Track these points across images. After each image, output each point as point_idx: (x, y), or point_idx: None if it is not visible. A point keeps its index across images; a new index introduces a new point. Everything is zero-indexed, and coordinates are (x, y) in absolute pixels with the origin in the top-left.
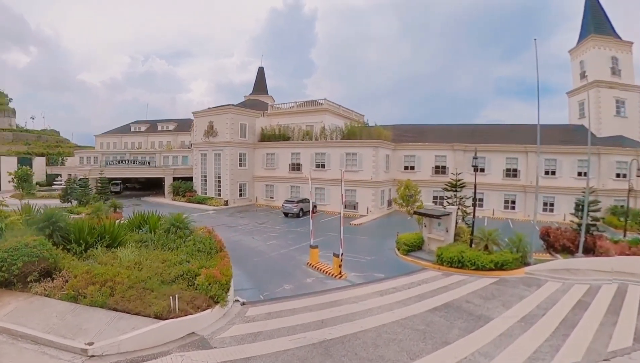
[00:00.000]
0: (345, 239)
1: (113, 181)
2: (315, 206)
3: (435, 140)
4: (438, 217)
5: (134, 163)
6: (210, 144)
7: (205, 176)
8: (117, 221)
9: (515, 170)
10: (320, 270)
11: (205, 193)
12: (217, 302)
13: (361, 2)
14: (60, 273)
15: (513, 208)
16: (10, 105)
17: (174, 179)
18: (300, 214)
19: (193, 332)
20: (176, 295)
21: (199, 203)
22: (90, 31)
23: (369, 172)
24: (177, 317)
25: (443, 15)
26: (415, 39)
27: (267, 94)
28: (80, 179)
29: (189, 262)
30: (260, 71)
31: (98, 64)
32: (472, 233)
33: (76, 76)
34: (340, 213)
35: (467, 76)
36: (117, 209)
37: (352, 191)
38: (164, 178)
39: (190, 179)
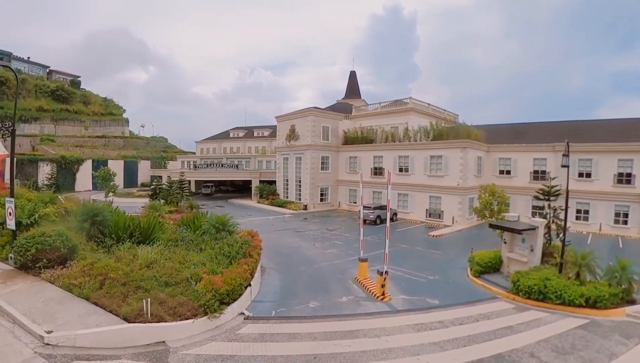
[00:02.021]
0: (413, 252)
1: (205, 183)
2: (395, 214)
3: (534, 140)
4: (519, 232)
5: (222, 166)
6: (291, 148)
7: (287, 180)
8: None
9: (629, 175)
10: (366, 287)
11: (287, 197)
12: (208, 312)
13: (462, 0)
14: (72, 262)
15: (625, 222)
16: (124, 115)
17: (261, 182)
18: (378, 221)
19: (163, 342)
20: (149, 299)
21: (279, 206)
22: (201, 49)
23: (456, 177)
24: (145, 322)
25: (551, 8)
26: (522, 35)
27: (360, 97)
28: (169, 181)
29: (204, 265)
30: (352, 75)
31: (209, 78)
32: (561, 255)
33: (190, 89)
34: (385, 221)
35: (580, 73)
36: (193, 209)
37: (437, 198)
38: (251, 180)
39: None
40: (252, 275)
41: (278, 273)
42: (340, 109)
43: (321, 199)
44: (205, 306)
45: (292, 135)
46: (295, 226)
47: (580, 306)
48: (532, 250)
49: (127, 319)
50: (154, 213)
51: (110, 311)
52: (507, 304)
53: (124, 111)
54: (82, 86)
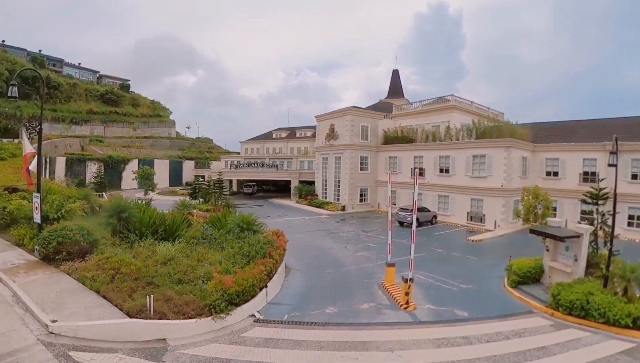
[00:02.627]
0: (449, 258)
1: (246, 183)
2: (434, 216)
3: (584, 139)
4: (562, 239)
5: (262, 166)
6: (330, 148)
7: (326, 180)
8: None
9: None
10: (391, 294)
11: (325, 197)
12: (213, 312)
13: None
14: (91, 256)
15: None
16: (171, 117)
17: (300, 182)
18: (416, 224)
19: (164, 339)
20: (152, 295)
21: (317, 206)
22: (248, 52)
23: (499, 178)
24: (147, 318)
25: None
26: (572, 30)
27: (402, 96)
28: (210, 180)
29: (219, 264)
30: (395, 74)
31: (256, 80)
32: (607, 267)
33: (237, 92)
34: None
35: (634, 67)
36: (229, 208)
37: (479, 200)
38: (290, 181)
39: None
40: (269, 276)
41: (303, 275)
42: (382, 108)
43: (360, 200)
44: (211, 306)
45: (331, 135)
46: (330, 227)
47: (626, 327)
48: (576, 260)
49: (129, 314)
50: (183, 210)
51: (116, 305)
52: (544, 320)
53: (171, 113)
54: (131, 90)
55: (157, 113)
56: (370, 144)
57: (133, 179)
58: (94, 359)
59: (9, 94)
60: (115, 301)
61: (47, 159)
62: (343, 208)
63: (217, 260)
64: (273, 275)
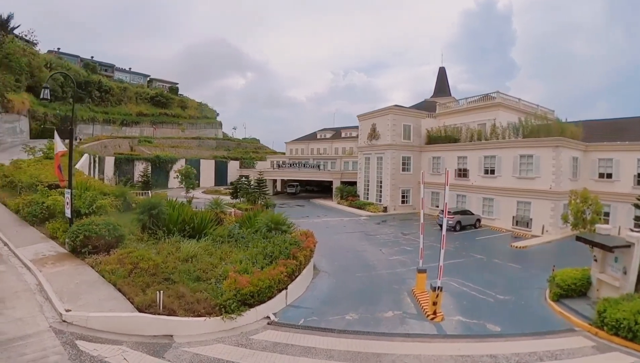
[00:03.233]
0: (489, 265)
1: (289, 183)
2: (478, 220)
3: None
4: (610, 249)
5: (304, 167)
6: (372, 148)
7: (368, 181)
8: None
9: None
10: (420, 303)
11: (367, 198)
12: (223, 312)
13: None
14: (116, 250)
15: None
16: (218, 119)
17: (342, 183)
18: (457, 227)
19: (171, 335)
20: (161, 291)
21: (358, 207)
22: (295, 54)
23: (548, 179)
24: (155, 314)
25: None
26: (628, 23)
27: (449, 95)
28: (252, 179)
29: (240, 263)
30: (441, 72)
31: (304, 82)
32: None
33: (285, 93)
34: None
35: None
36: (268, 207)
37: (525, 203)
38: (332, 181)
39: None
40: (291, 277)
41: (331, 277)
42: (426, 107)
43: (402, 202)
44: (222, 306)
45: (373, 134)
46: (368, 229)
47: None
48: (625, 273)
49: (139, 308)
50: (216, 209)
51: (128, 299)
52: (586, 340)
53: (218, 114)
54: (179, 92)
55: (204, 115)
56: (413, 144)
57: (175, 178)
58: (97, 350)
59: (41, 96)
60: (129, 295)
61: (96, 159)
62: (385, 210)
63: (238, 259)
64: (296, 277)
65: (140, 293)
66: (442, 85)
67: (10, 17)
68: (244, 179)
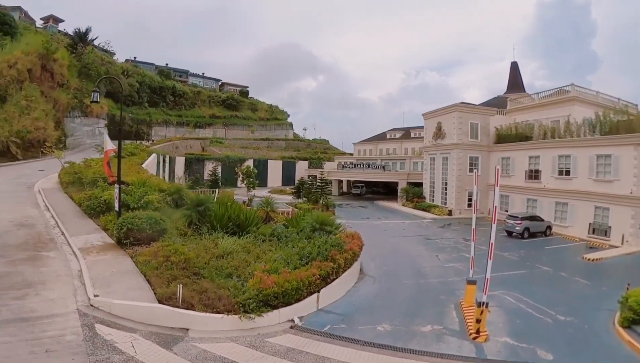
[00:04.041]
0: (554, 279)
1: (355, 184)
2: (549, 227)
3: None
4: None
5: (368, 167)
6: (438, 147)
7: (433, 182)
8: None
9: None
10: (465, 318)
11: (432, 200)
12: (241, 311)
13: None
14: (155, 243)
15: None
16: (288, 120)
17: (408, 184)
18: (525, 234)
19: (187, 329)
20: (181, 285)
21: (423, 210)
22: (365, 56)
23: (628, 182)
24: (174, 306)
25: None
26: None
27: (523, 91)
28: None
29: (274, 262)
30: (513, 67)
31: (375, 83)
32: None
33: (356, 94)
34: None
35: None
36: (329, 208)
37: (604, 209)
38: (398, 182)
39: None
40: (326, 280)
41: (375, 283)
42: (497, 104)
43: (468, 205)
44: (241, 305)
45: (438, 133)
46: (428, 233)
47: None
48: None
49: (159, 300)
50: (266, 207)
51: (153, 290)
52: None
53: (288, 116)
54: (250, 95)
55: (274, 116)
56: (481, 144)
57: (236, 176)
58: (112, 335)
59: (92, 99)
60: (154, 286)
61: (166, 159)
62: (450, 213)
63: (273, 259)
64: (332, 280)
65: (164, 285)
66: (515, 81)
67: (88, 30)
68: (309, 179)
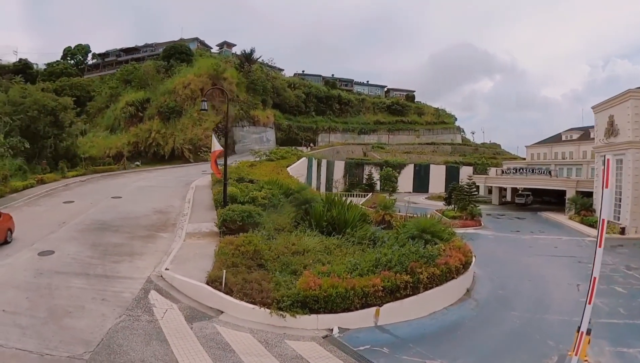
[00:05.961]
0: None
1: (518, 192)
2: None
3: None
4: None
5: (532, 173)
6: (610, 147)
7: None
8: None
9: None
10: None
11: None
12: (273, 307)
13: None
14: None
15: None
16: (458, 124)
17: (578, 193)
18: None
19: (222, 312)
20: (224, 271)
21: (589, 225)
22: (543, 50)
23: None
24: (215, 289)
25: None
26: None
27: None
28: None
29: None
30: None
31: (558, 79)
32: None
33: (538, 93)
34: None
35: None
36: (475, 217)
37: None
38: (565, 191)
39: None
40: (395, 294)
41: (475, 309)
42: None
43: None
44: (277, 301)
45: (610, 130)
46: (583, 255)
47: None
48: None
49: (207, 281)
50: (382, 210)
51: (208, 272)
52: None
53: (456, 119)
54: (416, 100)
55: (441, 120)
56: None
57: (374, 180)
58: (157, 300)
59: (201, 108)
60: (214, 269)
61: (321, 162)
62: (622, 231)
63: (349, 262)
64: (405, 296)
65: (219, 270)
66: None
67: (252, 50)
68: (464, 184)
